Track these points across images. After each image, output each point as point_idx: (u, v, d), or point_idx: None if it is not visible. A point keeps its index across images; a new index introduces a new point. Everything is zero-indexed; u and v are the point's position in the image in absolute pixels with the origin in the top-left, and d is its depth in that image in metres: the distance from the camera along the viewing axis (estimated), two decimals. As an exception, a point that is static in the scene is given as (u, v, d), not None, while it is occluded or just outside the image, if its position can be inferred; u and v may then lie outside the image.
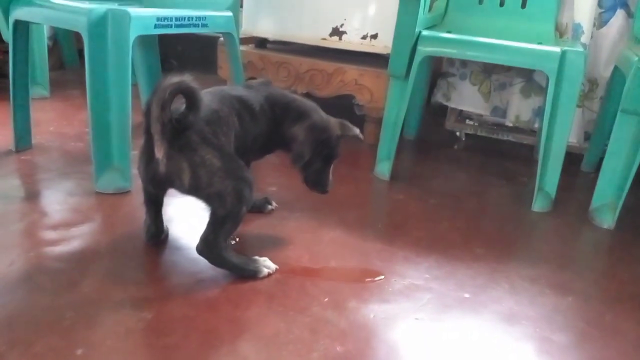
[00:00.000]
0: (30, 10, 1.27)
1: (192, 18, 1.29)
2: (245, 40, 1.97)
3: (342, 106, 2.22)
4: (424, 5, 1.37)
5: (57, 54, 2.63)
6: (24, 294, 0.85)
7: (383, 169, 1.50)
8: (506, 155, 1.80)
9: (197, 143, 0.89)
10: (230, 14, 1.39)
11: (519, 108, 1.74)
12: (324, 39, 1.76)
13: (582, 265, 1.14)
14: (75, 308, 0.82)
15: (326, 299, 0.90)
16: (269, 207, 1.23)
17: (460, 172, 1.64)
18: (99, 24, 1.14)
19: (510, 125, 1.78)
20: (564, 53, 1.25)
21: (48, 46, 2.24)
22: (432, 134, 2.01)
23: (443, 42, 1.38)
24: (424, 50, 1.37)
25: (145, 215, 1.03)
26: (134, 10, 1.17)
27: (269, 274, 0.96)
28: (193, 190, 0.90)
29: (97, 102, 1.19)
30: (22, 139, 1.46)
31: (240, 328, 0.81)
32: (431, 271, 1.03)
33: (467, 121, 1.94)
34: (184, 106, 0.87)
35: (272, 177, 1.44)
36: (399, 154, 1.66)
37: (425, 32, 1.38)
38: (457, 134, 1.96)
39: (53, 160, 1.43)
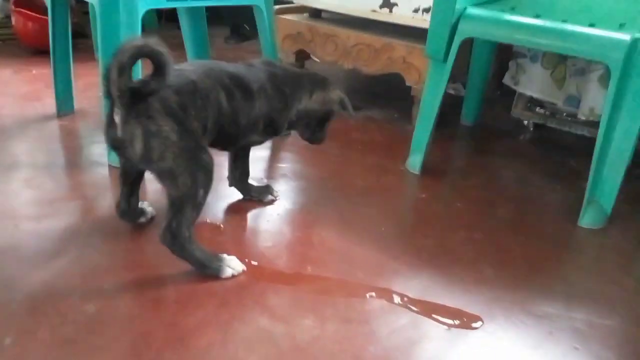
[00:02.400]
0: (58, -20, 1.29)
1: (211, -11, 1.22)
2: (299, 9, 1.88)
3: (390, 83, 2.06)
4: (471, -24, 1.18)
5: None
6: (1, 265, 0.88)
7: (414, 162, 1.36)
8: (574, 153, 1.55)
9: (156, 111, 0.83)
10: (257, -16, 1.30)
11: (594, 99, 1.46)
12: (374, 10, 1.61)
13: (623, 310, 0.91)
14: (27, 292, 0.83)
15: (281, 312, 0.83)
16: (269, 197, 1.16)
17: (510, 170, 1.44)
18: (110, -3, 1.12)
19: (583, 118, 1.52)
20: (635, 41, 1.01)
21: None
22: (496, 121, 1.79)
23: (485, 22, 1.18)
24: (464, 30, 1.18)
25: (117, 200, 1.00)
26: (144, -18, 1.13)
27: (233, 276, 0.90)
28: (144, 161, 0.84)
29: (110, 75, 1.18)
30: (64, 104, 1.52)
31: (174, 335, 0.77)
32: (418, 290, 0.90)
33: (537, 109, 1.69)
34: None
35: (285, 157, 1.37)
36: (445, 142, 1.51)
37: (471, 10, 1.19)
38: (525, 123, 1.73)
39: (86, 128, 1.47)
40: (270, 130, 1.06)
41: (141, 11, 1.14)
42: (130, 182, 0.98)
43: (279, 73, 1.05)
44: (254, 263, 0.94)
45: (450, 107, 1.79)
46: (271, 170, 1.33)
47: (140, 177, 0.99)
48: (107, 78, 0.80)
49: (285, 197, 1.19)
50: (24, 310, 0.79)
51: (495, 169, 1.44)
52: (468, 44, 1.63)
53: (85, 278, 0.87)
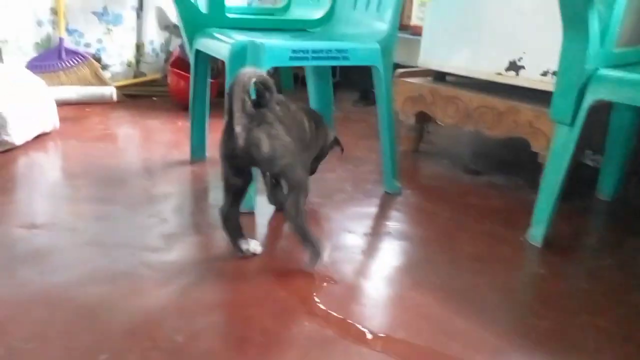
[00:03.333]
0: (202, 41, 1.45)
1: (331, 51, 1.28)
2: (423, 73, 1.89)
3: (515, 148, 1.95)
4: (606, 36, 1.09)
5: (277, 79, 2.96)
6: (109, 289, 0.96)
7: (536, 233, 1.24)
8: None
9: (272, 119, 1.01)
10: (376, 46, 1.34)
11: None
12: (499, 73, 1.56)
13: None
14: (128, 315, 0.89)
15: (362, 374, 0.78)
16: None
17: (654, 254, 1.24)
18: (239, 54, 1.23)
19: None
20: None
21: (269, 72, 2.54)
22: (640, 197, 1.58)
23: (619, 84, 1.06)
24: (594, 92, 1.08)
25: (222, 205, 1.10)
26: (271, 43, 1.23)
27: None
28: (269, 160, 1.00)
29: (234, 126, 1.28)
30: (197, 152, 1.67)
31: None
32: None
33: (694, 187, 1.46)
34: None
35: (393, 215, 1.34)
36: (576, 216, 1.37)
37: (603, 71, 1.09)
38: (678, 201, 1.50)
39: (213, 174, 1.59)
40: (319, 158, 1.34)
41: (265, 67, 1.23)
42: (233, 192, 1.09)
43: (310, 110, 1.27)
44: (343, 318, 0.91)
45: (586, 180, 1.64)
46: (376, 227, 1.30)
47: (242, 190, 1.10)
48: (230, 95, 0.95)
49: (386, 256, 1.15)
50: (121, 331, 0.84)
51: (633, 251, 1.25)
52: (608, 109, 1.49)
53: (182, 310, 0.91)
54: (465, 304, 0.98)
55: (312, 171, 1.34)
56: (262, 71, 1.01)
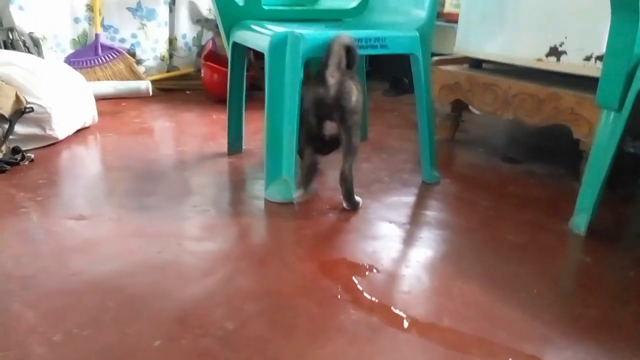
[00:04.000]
0: (239, 33, 1.46)
1: (370, 39, 1.28)
2: (459, 61, 1.87)
3: (556, 136, 1.91)
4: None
5: (308, 69, 2.96)
6: (158, 277, 0.98)
7: (579, 222, 1.22)
8: None
9: (355, 77, 1.24)
10: (415, 34, 1.33)
11: None
12: (539, 59, 1.52)
13: None
14: (178, 303, 0.91)
15: (410, 361, 0.79)
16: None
17: None
18: (280, 46, 1.24)
19: None
20: None
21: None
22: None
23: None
24: (644, 77, 1.05)
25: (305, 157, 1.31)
26: (310, 33, 1.23)
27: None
28: (352, 111, 1.21)
29: (273, 116, 1.29)
30: (234, 144, 1.69)
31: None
32: (570, 365, 0.79)
33: None
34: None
35: (431, 204, 1.33)
36: (621, 205, 1.35)
37: (653, 54, 1.06)
38: None
39: (251, 165, 1.61)
40: None
41: (304, 58, 1.23)
42: (313, 141, 1.28)
43: None
44: (387, 305, 0.91)
45: (629, 168, 1.60)
46: (415, 217, 1.30)
47: (321, 140, 1.27)
48: (328, 52, 1.16)
49: (427, 246, 1.15)
50: (172, 319, 0.86)
51: (684, 239, 1.22)
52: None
53: (230, 297, 0.93)
54: (511, 293, 0.97)
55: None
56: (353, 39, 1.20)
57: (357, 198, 1.30)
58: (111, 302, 0.91)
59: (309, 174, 1.33)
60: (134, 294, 0.93)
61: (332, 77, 1.17)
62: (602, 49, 1.35)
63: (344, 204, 1.29)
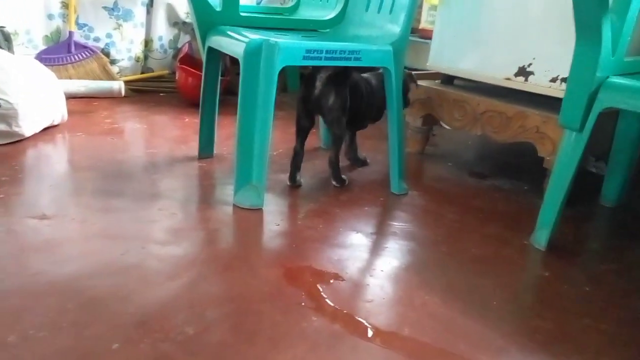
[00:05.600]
0: (215, 39, 1.46)
1: (345, 52, 1.29)
2: (432, 76, 1.90)
3: (522, 153, 1.97)
4: (617, 45, 1.10)
5: (282, 78, 2.97)
6: (120, 280, 0.97)
7: (540, 237, 1.25)
8: None
9: (344, 84, 1.43)
10: (389, 48, 1.35)
11: None
12: (508, 78, 1.57)
13: None
14: (140, 306, 0.90)
15: (370, 369, 0.79)
16: (366, 162, 1.76)
17: (658, 260, 1.26)
18: (254, 53, 1.24)
19: None
20: None
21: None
22: (645, 204, 1.59)
23: (630, 92, 1.08)
24: (604, 100, 1.09)
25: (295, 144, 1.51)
26: (285, 42, 1.24)
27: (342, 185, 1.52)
28: (329, 109, 1.42)
29: (245, 123, 1.29)
30: (205, 149, 1.69)
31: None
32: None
33: (697, 196, 1.48)
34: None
35: (398, 215, 1.35)
36: (580, 222, 1.39)
37: (614, 79, 1.10)
38: (681, 210, 1.51)
39: (221, 170, 1.61)
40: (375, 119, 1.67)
41: (279, 67, 1.24)
42: (302, 133, 1.49)
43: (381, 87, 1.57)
44: (350, 314, 0.92)
45: (590, 187, 1.66)
46: (382, 227, 1.31)
47: (307, 132, 1.50)
48: (314, 73, 1.40)
49: (392, 256, 1.16)
50: (132, 322, 0.85)
51: (636, 256, 1.27)
52: (613, 117, 1.51)
53: (193, 302, 0.92)
54: (471, 304, 0.99)
55: (364, 126, 1.69)
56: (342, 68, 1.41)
57: (343, 176, 1.53)
58: (70, 304, 0.89)
59: (297, 163, 1.52)
60: (94, 297, 0.92)
61: (319, 82, 1.38)
62: (567, 72, 1.41)
63: (333, 183, 1.52)
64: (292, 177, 1.50)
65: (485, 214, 1.43)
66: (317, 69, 1.39)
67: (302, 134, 1.49)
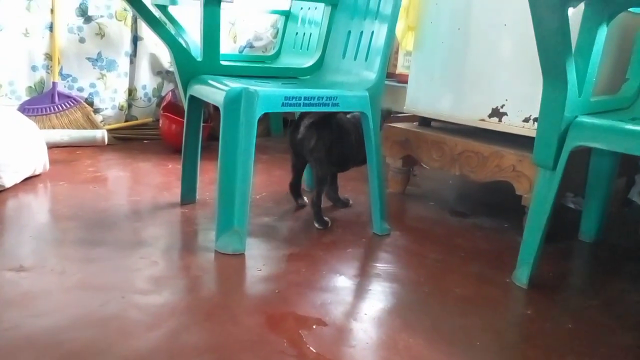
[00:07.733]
0: (197, 87, 1.49)
1: (322, 98, 1.33)
2: (410, 118, 1.95)
3: (501, 191, 2.00)
4: (583, 86, 1.15)
5: (265, 123, 3.01)
6: (98, 332, 0.95)
7: (521, 274, 1.26)
8: None
9: (327, 129, 1.51)
10: (365, 94, 1.39)
11: None
12: (483, 119, 1.62)
13: None
14: (117, 358, 0.88)
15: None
16: (349, 204, 1.80)
17: (636, 295, 1.27)
18: (235, 101, 1.27)
19: None
20: None
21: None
22: (622, 240, 1.62)
23: (598, 131, 1.12)
24: (574, 138, 1.13)
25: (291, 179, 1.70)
26: (264, 90, 1.27)
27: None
28: (311, 151, 1.51)
29: (226, 169, 1.30)
30: (187, 195, 1.69)
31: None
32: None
33: (673, 229, 1.51)
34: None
35: (381, 257, 1.35)
36: (560, 258, 1.41)
37: (582, 119, 1.15)
38: (658, 243, 1.54)
39: (203, 216, 1.61)
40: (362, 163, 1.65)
41: (258, 114, 1.27)
42: (296, 169, 1.68)
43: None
44: (334, 361, 0.91)
45: (569, 222, 1.68)
46: (365, 269, 1.31)
47: (301, 169, 1.69)
48: (301, 117, 1.51)
49: (376, 298, 1.16)
50: (112, 376, 0.83)
51: (617, 292, 1.28)
52: (587, 153, 1.55)
53: (172, 353, 0.90)
54: (455, 345, 0.99)
55: (349, 167, 1.73)
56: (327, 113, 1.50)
57: (326, 218, 1.57)
58: (47, 358, 0.87)
59: (296, 191, 1.72)
60: (71, 350, 0.90)
61: (303, 127, 1.48)
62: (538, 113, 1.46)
63: (316, 225, 1.56)
64: (296, 202, 1.73)
65: (467, 252, 1.44)
66: (304, 114, 1.48)
67: (295, 171, 1.69)
